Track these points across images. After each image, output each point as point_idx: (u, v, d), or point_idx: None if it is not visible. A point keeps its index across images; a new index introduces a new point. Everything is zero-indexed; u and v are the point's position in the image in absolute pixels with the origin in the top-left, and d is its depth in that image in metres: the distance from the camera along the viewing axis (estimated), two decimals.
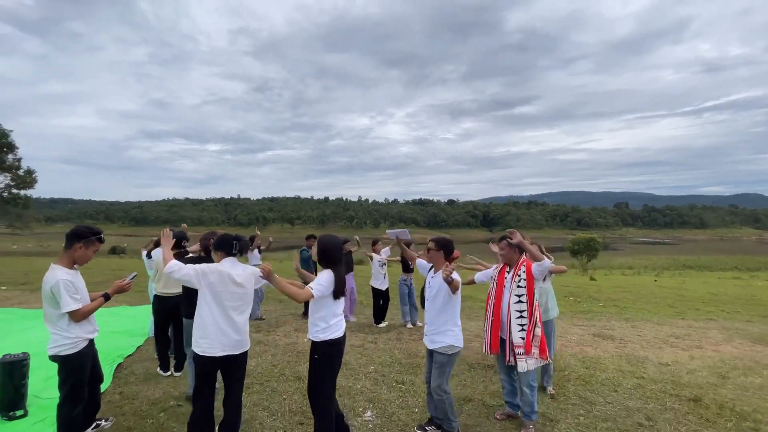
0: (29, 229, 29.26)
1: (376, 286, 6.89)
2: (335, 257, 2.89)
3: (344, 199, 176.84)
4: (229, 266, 2.85)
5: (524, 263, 3.40)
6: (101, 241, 2.97)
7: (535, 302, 3.36)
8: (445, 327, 3.17)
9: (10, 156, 25.24)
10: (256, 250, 7.12)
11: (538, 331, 3.33)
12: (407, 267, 6.86)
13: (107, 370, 4.35)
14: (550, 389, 4.11)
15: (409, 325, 6.70)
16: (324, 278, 2.81)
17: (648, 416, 3.67)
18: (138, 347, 5.32)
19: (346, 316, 7.01)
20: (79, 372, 2.89)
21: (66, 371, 2.85)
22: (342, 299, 2.95)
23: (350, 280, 7.06)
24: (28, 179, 26.00)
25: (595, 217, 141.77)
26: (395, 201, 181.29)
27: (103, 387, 3.81)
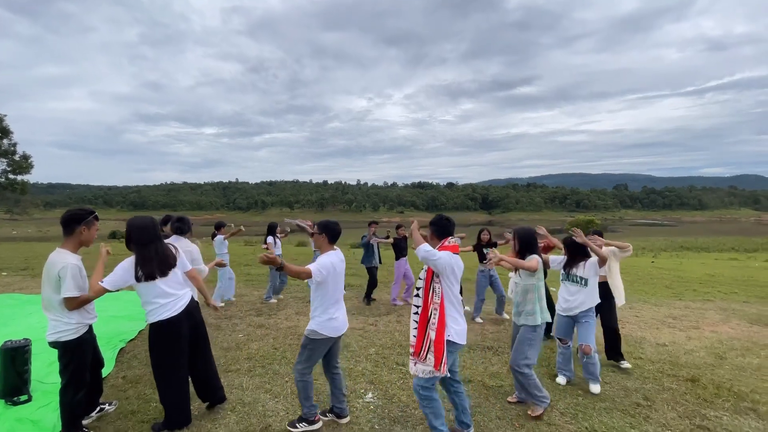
0: (27, 214, 29.16)
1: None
2: (138, 240, 2.96)
3: (343, 182, 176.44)
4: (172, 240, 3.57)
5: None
6: (97, 218, 2.99)
7: (435, 302, 2.77)
8: (312, 312, 3.07)
9: (5, 141, 24.93)
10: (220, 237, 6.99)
11: (433, 335, 2.73)
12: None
13: (109, 355, 4.37)
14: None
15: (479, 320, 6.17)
16: (121, 266, 2.90)
17: (646, 396, 3.72)
18: (140, 331, 5.35)
19: (395, 300, 7.06)
20: (80, 357, 2.89)
21: (67, 357, 2.85)
22: (171, 277, 3.02)
23: (404, 264, 7.10)
24: (24, 164, 25.76)
25: (594, 199, 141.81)
26: (394, 184, 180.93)
27: (106, 371, 3.83)
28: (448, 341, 2.72)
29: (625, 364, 4.35)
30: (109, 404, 3.32)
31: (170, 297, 3.00)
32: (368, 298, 7.23)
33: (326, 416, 3.21)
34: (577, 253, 3.91)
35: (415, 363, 2.80)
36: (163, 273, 2.98)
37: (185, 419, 3.06)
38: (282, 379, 3.94)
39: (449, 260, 2.75)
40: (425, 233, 3.07)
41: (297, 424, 3.04)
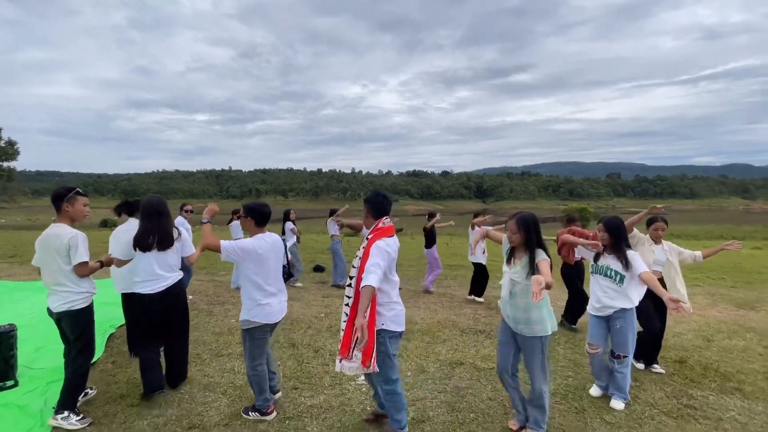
0: (15, 202, 28.73)
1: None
2: (143, 212, 3.21)
3: (338, 171, 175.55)
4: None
5: (370, 234, 2.65)
6: (80, 193, 3.00)
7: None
8: (242, 300, 2.99)
9: None
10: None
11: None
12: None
13: (99, 341, 4.30)
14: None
15: None
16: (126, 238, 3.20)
17: (635, 377, 3.76)
18: None
19: (427, 289, 7.04)
20: (91, 326, 3.04)
21: (80, 326, 2.95)
22: (164, 257, 3.18)
23: (434, 252, 7.13)
24: (10, 151, 25.26)
25: (587, 187, 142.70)
26: (389, 173, 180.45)
27: (95, 357, 3.79)
28: (383, 330, 2.56)
29: (658, 369, 3.92)
30: (91, 389, 3.29)
31: (155, 276, 3.18)
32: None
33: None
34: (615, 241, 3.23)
35: (341, 360, 2.53)
36: (159, 248, 3.16)
37: (157, 384, 3.21)
38: (275, 363, 3.93)
39: (387, 250, 2.51)
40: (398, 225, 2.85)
41: (250, 412, 3.00)
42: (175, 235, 3.29)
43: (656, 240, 4.01)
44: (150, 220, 3.18)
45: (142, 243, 3.13)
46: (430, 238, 7.17)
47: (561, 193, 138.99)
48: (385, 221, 2.68)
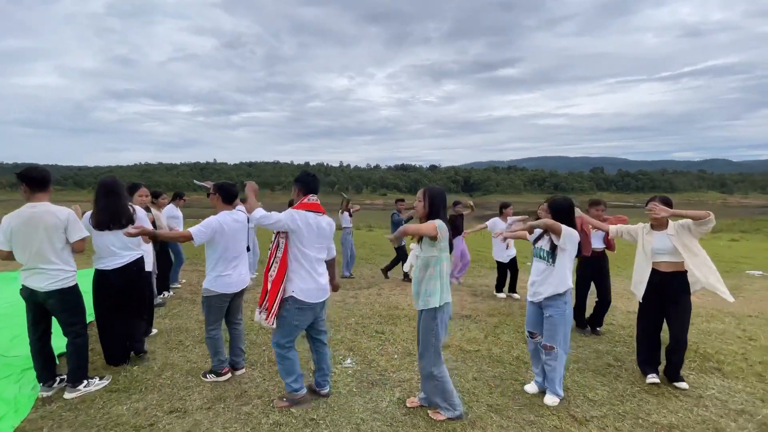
0: None
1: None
2: (98, 192, 3.30)
3: (325, 164, 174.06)
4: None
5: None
6: (21, 178, 2.86)
7: (277, 256, 2.76)
8: (206, 270, 3.21)
9: None
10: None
11: (269, 286, 2.76)
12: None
13: None
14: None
15: None
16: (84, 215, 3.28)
17: (616, 357, 3.84)
18: None
19: (455, 277, 6.89)
20: (82, 300, 3.07)
21: (74, 301, 2.98)
22: (111, 231, 3.28)
23: (460, 243, 6.93)
24: None
25: (572, 181, 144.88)
26: (377, 166, 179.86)
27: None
28: (291, 297, 2.74)
29: (683, 385, 3.24)
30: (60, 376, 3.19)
31: (112, 253, 3.33)
32: (388, 271, 7.27)
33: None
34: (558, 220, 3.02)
35: (260, 312, 2.83)
36: (114, 227, 3.29)
37: (120, 357, 3.45)
38: (259, 348, 3.88)
39: (292, 218, 2.69)
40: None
41: (207, 375, 3.26)
42: (141, 215, 3.53)
43: (655, 224, 3.36)
44: (104, 200, 3.28)
45: (97, 221, 3.26)
46: (453, 228, 7.07)
47: (546, 187, 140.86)
48: (311, 198, 2.87)
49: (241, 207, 3.31)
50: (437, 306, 2.62)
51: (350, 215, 7.51)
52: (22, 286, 2.88)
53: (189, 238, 2.92)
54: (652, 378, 3.31)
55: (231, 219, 3.13)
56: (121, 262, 3.36)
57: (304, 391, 2.92)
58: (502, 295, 6.10)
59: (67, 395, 2.93)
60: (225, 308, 3.26)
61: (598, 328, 4.56)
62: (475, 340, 4.18)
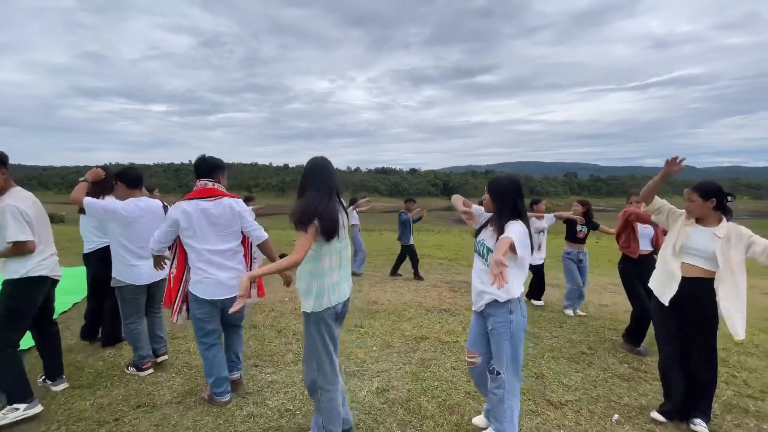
0: None
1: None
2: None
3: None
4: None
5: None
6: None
7: (174, 253, 2.72)
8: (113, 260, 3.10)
9: None
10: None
11: (171, 284, 2.72)
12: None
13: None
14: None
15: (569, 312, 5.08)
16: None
17: (589, 346, 3.93)
18: (74, 303, 4.97)
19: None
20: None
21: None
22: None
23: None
24: None
25: (546, 186, 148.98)
26: (357, 169, 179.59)
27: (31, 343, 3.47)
28: (189, 291, 2.64)
29: (700, 426, 2.49)
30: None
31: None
32: (395, 271, 7.25)
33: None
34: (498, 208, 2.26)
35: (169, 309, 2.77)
36: None
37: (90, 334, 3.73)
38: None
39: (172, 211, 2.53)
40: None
41: (128, 368, 3.16)
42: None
43: (698, 216, 2.51)
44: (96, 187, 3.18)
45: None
46: None
47: (522, 190, 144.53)
48: (200, 183, 2.65)
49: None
50: (307, 312, 2.11)
51: (357, 213, 7.47)
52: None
53: (79, 202, 2.81)
54: (701, 427, 2.48)
55: (135, 206, 2.99)
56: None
57: (226, 398, 2.70)
58: (540, 302, 5.45)
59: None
60: (142, 301, 3.13)
61: (641, 346, 3.80)
62: (453, 332, 4.20)
